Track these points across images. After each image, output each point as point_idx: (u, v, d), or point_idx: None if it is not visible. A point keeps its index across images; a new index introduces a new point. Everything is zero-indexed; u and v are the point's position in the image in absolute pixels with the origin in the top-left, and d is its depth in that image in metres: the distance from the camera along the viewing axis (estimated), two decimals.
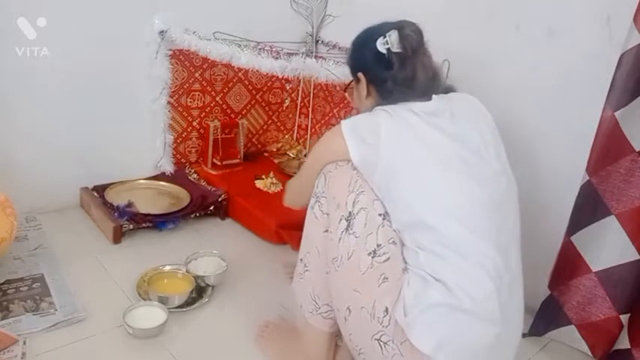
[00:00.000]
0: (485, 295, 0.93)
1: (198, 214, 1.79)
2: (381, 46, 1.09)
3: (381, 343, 0.96)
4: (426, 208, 0.98)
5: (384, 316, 0.95)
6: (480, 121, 1.11)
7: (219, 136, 1.99)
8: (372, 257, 0.98)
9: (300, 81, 2.18)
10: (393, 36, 1.08)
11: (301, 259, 1.16)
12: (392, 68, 1.09)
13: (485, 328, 0.94)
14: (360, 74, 1.16)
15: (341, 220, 1.03)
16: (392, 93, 1.09)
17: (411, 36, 1.09)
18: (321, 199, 1.10)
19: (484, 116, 1.12)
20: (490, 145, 1.07)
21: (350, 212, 1.02)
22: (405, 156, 1.01)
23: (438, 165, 1.01)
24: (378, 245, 0.98)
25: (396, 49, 1.08)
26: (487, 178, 1.03)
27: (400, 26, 1.09)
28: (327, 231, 1.07)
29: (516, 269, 1.03)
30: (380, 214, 1.01)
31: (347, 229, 1.02)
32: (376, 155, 1.01)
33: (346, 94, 1.32)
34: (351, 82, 1.23)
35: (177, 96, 1.91)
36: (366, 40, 1.15)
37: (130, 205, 1.68)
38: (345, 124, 1.06)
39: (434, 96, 1.08)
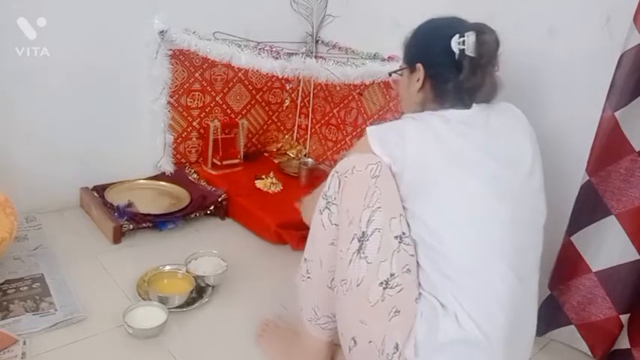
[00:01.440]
0: (493, 324, 0.91)
1: (198, 214, 1.79)
2: (455, 45, 1.01)
3: None
4: (442, 224, 0.94)
5: (394, 352, 0.91)
6: (520, 134, 1.05)
7: (219, 136, 1.99)
8: (384, 288, 0.92)
9: (300, 81, 2.18)
10: (470, 38, 1.00)
11: (305, 259, 1.12)
12: (460, 72, 1.02)
13: (493, 358, 0.92)
14: (419, 65, 1.08)
15: (353, 239, 0.95)
16: (449, 95, 1.04)
17: (489, 43, 1.01)
18: (331, 205, 1.02)
19: (525, 129, 1.07)
20: (525, 159, 1.01)
21: (363, 232, 0.94)
22: (429, 169, 0.96)
23: (461, 179, 0.95)
24: (392, 275, 0.92)
25: (470, 52, 1.01)
26: (514, 195, 0.98)
27: (480, 30, 1.02)
28: (333, 243, 1.02)
29: (532, 289, 1.00)
30: (396, 237, 0.93)
31: (359, 250, 0.94)
32: (399, 163, 0.97)
33: (390, 79, 1.24)
34: (402, 68, 1.16)
35: (177, 96, 1.91)
36: (437, 33, 1.07)
37: (130, 205, 1.68)
38: (372, 134, 1.01)
39: (474, 105, 1.03)
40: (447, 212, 0.95)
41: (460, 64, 1.02)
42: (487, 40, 1.02)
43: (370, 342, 0.94)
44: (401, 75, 1.17)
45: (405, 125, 1.00)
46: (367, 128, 1.03)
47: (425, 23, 1.13)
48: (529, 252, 0.99)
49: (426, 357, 0.89)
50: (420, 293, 0.93)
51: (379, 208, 0.94)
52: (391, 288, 0.92)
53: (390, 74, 1.29)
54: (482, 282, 0.92)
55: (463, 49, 1.01)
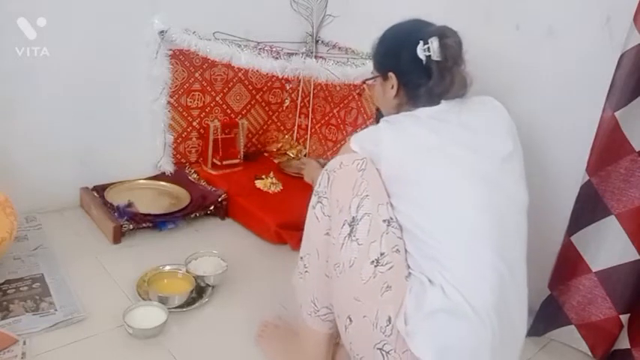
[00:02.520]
0: (484, 302, 0.92)
1: (198, 214, 1.79)
2: (421, 52, 1.06)
3: (384, 353, 0.95)
4: (424, 217, 0.97)
5: (387, 325, 0.94)
6: (496, 125, 1.08)
7: (219, 136, 1.99)
8: (375, 266, 0.96)
9: (300, 81, 2.18)
10: (434, 44, 1.05)
11: (302, 257, 1.14)
12: (430, 77, 1.06)
13: (483, 334, 0.92)
14: (391, 74, 1.13)
15: (344, 224, 1.00)
16: (421, 98, 1.08)
17: (453, 47, 1.06)
18: (323, 199, 1.07)
19: (503, 119, 1.10)
20: (503, 148, 1.04)
21: (353, 217, 0.99)
22: (403, 166, 1.01)
23: (436, 170, 0.99)
24: (382, 254, 0.96)
25: (436, 57, 1.05)
26: (489, 180, 1.01)
27: (442, 34, 1.06)
28: (327, 234, 1.06)
29: (521, 277, 1.01)
30: (384, 220, 0.98)
31: (350, 234, 0.99)
32: (378, 164, 1.02)
33: (365, 86, 1.28)
34: (375, 76, 1.20)
35: (177, 96, 1.91)
36: (403, 41, 1.11)
37: (130, 205, 1.68)
38: (352, 139, 1.08)
39: (443, 101, 1.07)
40: (427, 206, 0.98)
41: (429, 69, 1.07)
42: (450, 44, 1.06)
43: (364, 317, 0.97)
44: (374, 82, 1.21)
45: (381, 128, 1.05)
46: (351, 136, 1.09)
47: (389, 30, 1.18)
48: (513, 237, 1.01)
49: (414, 325, 0.92)
50: (410, 273, 0.97)
51: (367, 196, 0.99)
52: (382, 265, 0.96)
53: (363, 82, 1.34)
54: (470, 267, 0.95)
55: (429, 55, 1.06)
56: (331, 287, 1.06)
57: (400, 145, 1.02)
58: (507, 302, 0.96)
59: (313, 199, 1.10)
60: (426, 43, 1.06)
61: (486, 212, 0.98)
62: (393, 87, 1.14)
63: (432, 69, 1.06)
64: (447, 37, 1.06)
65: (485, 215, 0.98)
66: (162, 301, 1.33)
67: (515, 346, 1.02)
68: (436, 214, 0.98)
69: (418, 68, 1.08)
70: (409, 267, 0.97)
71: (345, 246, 0.99)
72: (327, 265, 1.07)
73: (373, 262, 0.96)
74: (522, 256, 1.03)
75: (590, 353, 1.36)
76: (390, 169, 1.01)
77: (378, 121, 1.10)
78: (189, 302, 1.38)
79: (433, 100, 1.07)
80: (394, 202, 1.00)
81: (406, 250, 0.98)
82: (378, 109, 1.31)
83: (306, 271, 1.13)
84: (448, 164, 1.00)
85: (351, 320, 1.00)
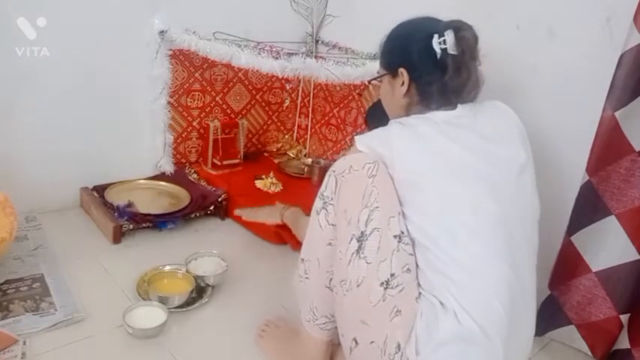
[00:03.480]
0: (491, 319, 0.90)
1: (198, 214, 1.79)
2: (436, 45, 1.02)
3: None
4: (434, 226, 0.94)
5: (396, 352, 0.90)
6: (509, 132, 1.05)
7: (219, 136, 1.99)
8: (385, 288, 0.91)
9: (300, 81, 2.18)
10: (450, 36, 1.01)
11: (302, 260, 1.11)
12: (445, 71, 1.02)
13: (493, 354, 0.91)
14: (402, 70, 1.08)
15: (352, 239, 0.95)
16: (434, 96, 1.05)
17: (469, 39, 1.02)
18: (328, 206, 1.02)
19: (514, 126, 1.07)
20: (516, 157, 1.02)
21: (362, 232, 0.94)
22: (417, 172, 0.96)
23: (449, 181, 0.96)
24: (392, 275, 0.91)
25: (452, 50, 1.01)
26: (504, 193, 0.98)
27: (457, 26, 1.02)
28: (330, 244, 1.02)
29: (530, 286, 0.99)
30: (395, 236, 0.93)
31: (358, 251, 0.94)
32: (391, 168, 0.97)
33: (370, 87, 1.23)
34: (382, 75, 1.14)
35: (177, 96, 1.91)
36: (414, 35, 1.07)
37: (130, 205, 1.68)
38: (358, 139, 1.03)
39: (459, 105, 1.03)
40: (437, 214, 0.95)
41: (443, 64, 1.03)
42: (466, 36, 1.02)
43: (372, 342, 0.93)
44: (380, 82, 1.17)
45: (392, 130, 1.01)
46: (355, 137, 1.04)
47: (398, 27, 1.14)
48: (523, 248, 0.99)
49: (426, 356, 0.89)
50: (420, 293, 0.93)
51: (377, 207, 0.94)
52: (392, 288, 0.91)
53: (369, 82, 1.29)
54: (478, 279, 0.92)
55: (445, 48, 1.02)
56: (335, 303, 1.03)
57: (415, 149, 0.98)
58: (515, 311, 0.94)
59: (318, 202, 1.05)
60: (441, 35, 1.02)
61: (497, 221, 0.95)
62: (403, 84, 1.08)
63: (448, 63, 1.02)
64: (464, 30, 1.02)
65: (492, 223, 0.95)
66: (162, 301, 1.33)
67: (523, 354, 1.01)
68: (442, 221, 0.94)
69: (431, 63, 1.03)
70: (420, 285, 0.94)
71: (353, 263, 0.95)
72: (327, 275, 1.04)
73: (382, 283, 0.91)
74: (532, 269, 1.01)
75: (590, 353, 1.36)
76: (403, 175, 0.96)
77: (367, 124, 1.06)
78: (189, 302, 1.38)
79: (446, 98, 1.04)
80: (406, 210, 0.96)
81: (417, 265, 0.95)
82: (368, 112, 1.28)
83: (307, 277, 1.10)
84: (458, 173, 0.96)
85: (357, 343, 0.97)
